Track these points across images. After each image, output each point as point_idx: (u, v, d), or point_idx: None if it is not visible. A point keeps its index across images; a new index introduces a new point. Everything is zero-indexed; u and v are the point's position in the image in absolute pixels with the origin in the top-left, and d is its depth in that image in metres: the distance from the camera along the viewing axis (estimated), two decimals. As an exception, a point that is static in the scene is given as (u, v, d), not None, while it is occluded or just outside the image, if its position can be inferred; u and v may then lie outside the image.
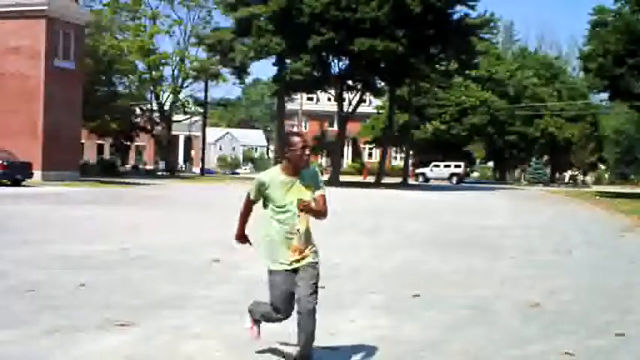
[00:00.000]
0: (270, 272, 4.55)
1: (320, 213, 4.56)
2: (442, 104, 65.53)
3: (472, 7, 43.15)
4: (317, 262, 4.64)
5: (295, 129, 5.93)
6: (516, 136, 69.15)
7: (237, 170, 79.63)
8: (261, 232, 4.57)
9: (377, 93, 54.50)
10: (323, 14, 38.96)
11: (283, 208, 4.41)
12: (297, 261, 4.51)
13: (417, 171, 62.05)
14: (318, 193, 4.52)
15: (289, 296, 4.51)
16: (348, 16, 38.94)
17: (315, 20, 39.37)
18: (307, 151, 4.38)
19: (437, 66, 48.07)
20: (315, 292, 4.57)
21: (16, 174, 29.21)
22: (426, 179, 59.31)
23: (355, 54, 40.27)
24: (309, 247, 4.60)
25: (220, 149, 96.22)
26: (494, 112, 65.88)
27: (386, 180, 49.39)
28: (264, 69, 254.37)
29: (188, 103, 57.84)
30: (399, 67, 41.74)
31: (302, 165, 4.39)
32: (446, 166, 59.99)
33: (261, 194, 4.46)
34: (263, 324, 4.90)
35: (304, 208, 4.40)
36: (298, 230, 4.46)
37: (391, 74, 44.35)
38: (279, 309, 4.56)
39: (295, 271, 4.51)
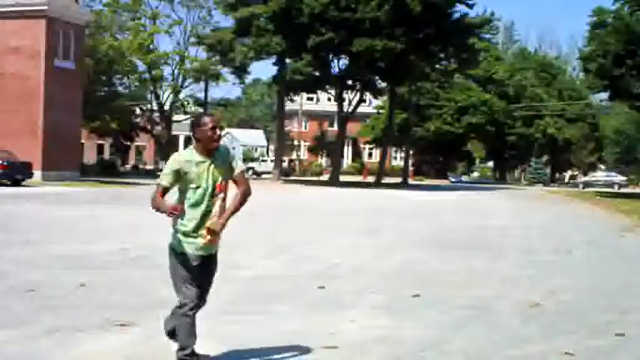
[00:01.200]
0: (179, 254, 4.39)
1: (239, 205, 4.47)
2: (442, 104, 65.58)
3: (470, 6, 43.15)
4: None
5: (204, 113, 5.88)
6: (517, 137, 69.22)
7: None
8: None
9: (377, 93, 54.48)
10: (323, 14, 38.95)
11: (198, 189, 4.31)
12: (208, 245, 4.38)
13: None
14: (236, 172, 4.42)
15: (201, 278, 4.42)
16: (347, 16, 38.93)
17: (314, 20, 39.36)
18: (217, 131, 4.30)
19: (437, 65, 48.04)
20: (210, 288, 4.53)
21: (16, 174, 29.20)
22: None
23: (355, 53, 40.26)
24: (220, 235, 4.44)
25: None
26: (494, 113, 65.92)
27: (386, 180, 49.38)
28: (264, 69, 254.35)
29: (188, 103, 57.84)
30: (399, 66, 41.71)
31: (212, 145, 4.30)
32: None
33: (176, 178, 4.32)
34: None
35: (211, 235, 4.33)
36: (211, 212, 4.35)
37: (391, 74, 44.32)
38: (188, 295, 4.38)
39: (204, 257, 4.40)
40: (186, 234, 4.37)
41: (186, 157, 4.34)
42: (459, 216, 20.24)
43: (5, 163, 28.62)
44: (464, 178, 71.93)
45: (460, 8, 43.59)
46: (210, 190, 4.33)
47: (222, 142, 4.40)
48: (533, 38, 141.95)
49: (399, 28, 38.73)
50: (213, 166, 4.33)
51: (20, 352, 4.89)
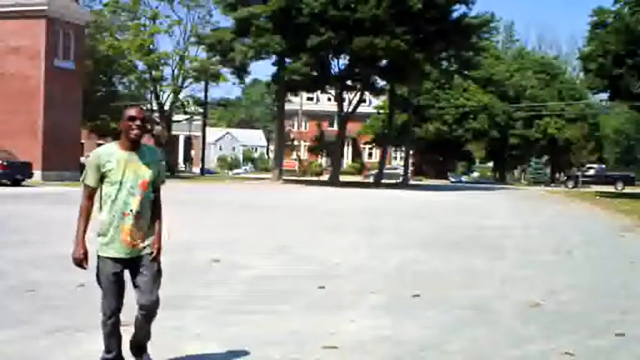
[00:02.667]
0: (99, 258, 4.16)
1: (160, 227, 4.34)
2: (442, 106, 65.63)
3: (468, 5, 43.13)
4: (152, 253, 4.22)
5: (133, 106, 5.45)
6: (517, 137, 69.28)
7: (238, 170, 79.70)
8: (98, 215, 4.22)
9: (376, 92, 54.47)
10: (322, 14, 38.94)
11: (118, 185, 4.08)
12: (132, 247, 4.14)
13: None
14: (160, 179, 4.26)
15: (120, 288, 4.17)
16: (347, 15, 38.92)
17: (314, 20, 39.36)
18: (137, 122, 4.06)
19: (437, 64, 48.01)
20: (157, 287, 4.23)
21: (16, 174, 29.20)
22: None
23: (355, 52, 40.26)
24: (147, 236, 4.21)
25: (220, 149, 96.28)
26: (494, 117, 66.01)
27: (386, 180, 49.39)
28: (264, 69, 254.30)
29: (188, 103, 57.85)
30: (400, 66, 41.72)
31: (130, 136, 4.07)
32: None
33: (99, 174, 4.11)
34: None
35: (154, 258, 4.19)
36: (131, 211, 4.10)
37: (392, 72, 44.32)
38: (110, 303, 4.14)
39: (132, 260, 4.16)
40: (100, 234, 4.17)
41: (106, 150, 4.14)
42: (459, 216, 20.24)
43: (5, 163, 28.63)
44: (464, 178, 71.96)
45: (460, 8, 43.64)
46: (129, 185, 4.09)
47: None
48: (533, 38, 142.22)
49: (399, 27, 38.71)
50: (136, 160, 4.11)
51: (20, 352, 4.89)
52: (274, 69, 46.60)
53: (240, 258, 9.54)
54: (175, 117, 57.87)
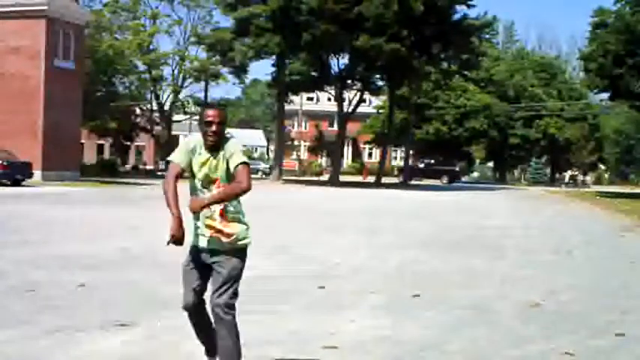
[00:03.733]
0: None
1: (227, 192, 3.96)
2: (442, 106, 65.62)
3: (468, 5, 43.15)
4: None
5: (211, 104, 5.27)
6: (517, 137, 69.28)
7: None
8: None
9: (376, 92, 54.48)
10: (320, 9, 38.84)
11: (194, 178, 4.05)
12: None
13: None
14: (231, 167, 4.00)
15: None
16: (345, 7, 38.75)
17: (313, 16, 39.30)
18: (213, 128, 3.99)
19: (437, 65, 48.03)
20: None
21: (16, 174, 29.20)
22: None
23: (355, 52, 40.24)
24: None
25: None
26: (495, 117, 66.01)
27: (386, 180, 49.38)
28: (264, 69, 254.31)
29: (188, 103, 57.84)
30: (400, 67, 41.72)
31: (206, 141, 4.01)
32: None
33: (188, 160, 4.01)
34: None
35: (195, 207, 3.96)
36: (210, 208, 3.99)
37: (392, 73, 44.33)
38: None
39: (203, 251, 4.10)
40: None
41: (194, 142, 4.09)
42: (459, 216, 20.24)
43: (5, 163, 28.62)
44: (464, 178, 71.95)
45: (461, 9, 43.68)
46: (201, 184, 4.04)
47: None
48: (533, 38, 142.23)
49: (402, 29, 38.71)
50: (212, 160, 4.03)
51: (20, 352, 4.88)
52: (274, 69, 46.66)
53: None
54: (175, 117, 57.85)
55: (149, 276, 8.14)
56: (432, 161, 58.15)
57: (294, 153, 74.36)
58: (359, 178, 58.74)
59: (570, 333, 5.98)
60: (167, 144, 57.42)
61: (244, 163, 4.01)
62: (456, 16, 43.44)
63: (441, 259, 10.43)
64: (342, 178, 49.23)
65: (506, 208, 25.93)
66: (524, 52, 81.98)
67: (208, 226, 4.00)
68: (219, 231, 3.98)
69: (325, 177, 56.08)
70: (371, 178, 54.35)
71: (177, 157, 4.02)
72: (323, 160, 75.55)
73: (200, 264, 4.11)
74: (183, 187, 4.06)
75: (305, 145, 78.43)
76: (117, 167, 52.03)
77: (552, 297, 7.62)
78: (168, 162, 4.11)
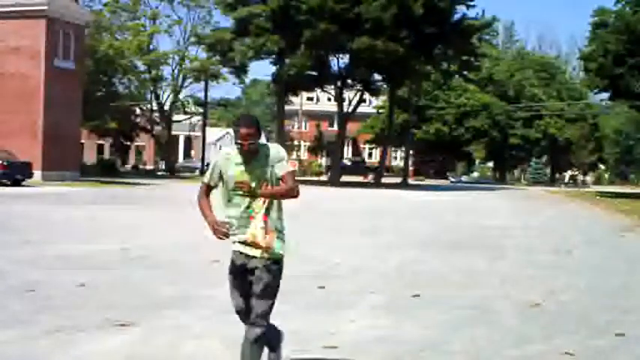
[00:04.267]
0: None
1: (284, 191, 4.13)
2: (442, 106, 65.64)
3: (468, 6, 43.16)
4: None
5: (245, 115, 5.14)
6: (517, 138, 69.28)
7: None
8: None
9: (375, 93, 54.48)
10: (320, 9, 38.85)
11: (236, 190, 4.06)
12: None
13: None
14: (279, 174, 4.07)
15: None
16: (345, 7, 38.77)
17: (312, 16, 39.30)
18: (248, 141, 3.95)
19: (437, 65, 48.03)
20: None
21: (16, 174, 29.19)
22: None
23: (355, 51, 40.25)
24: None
25: (220, 149, 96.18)
26: (495, 117, 66.01)
27: (386, 180, 49.38)
28: (264, 69, 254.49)
29: (188, 103, 57.82)
30: (400, 67, 41.73)
31: (244, 154, 4.01)
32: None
33: (220, 177, 4.11)
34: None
35: (262, 192, 4.04)
36: (251, 217, 4.09)
37: (391, 74, 44.34)
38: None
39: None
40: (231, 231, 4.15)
41: (227, 155, 4.13)
42: (459, 216, 20.24)
43: (5, 163, 28.61)
44: (464, 178, 72.02)
45: (460, 9, 43.69)
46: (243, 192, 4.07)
47: (260, 144, 3.98)
48: (533, 38, 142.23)
49: (400, 30, 38.71)
50: (250, 169, 4.04)
51: (20, 352, 4.88)
52: (274, 69, 46.68)
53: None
54: (175, 117, 57.84)
55: (149, 276, 8.14)
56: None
57: (294, 153, 74.37)
58: (359, 178, 58.77)
59: (570, 333, 5.97)
60: (167, 144, 57.45)
61: (293, 170, 4.19)
62: (456, 17, 43.47)
63: (441, 259, 10.43)
64: (342, 178, 49.23)
65: (507, 208, 25.93)
66: (524, 52, 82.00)
67: (251, 234, 4.10)
68: (257, 240, 4.11)
69: (325, 177, 56.09)
70: (371, 178, 54.39)
71: (206, 178, 4.17)
72: (323, 160, 75.54)
73: (242, 269, 4.21)
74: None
75: (305, 145, 78.43)
76: (117, 167, 52.04)
77: (552, 297, 7.62)
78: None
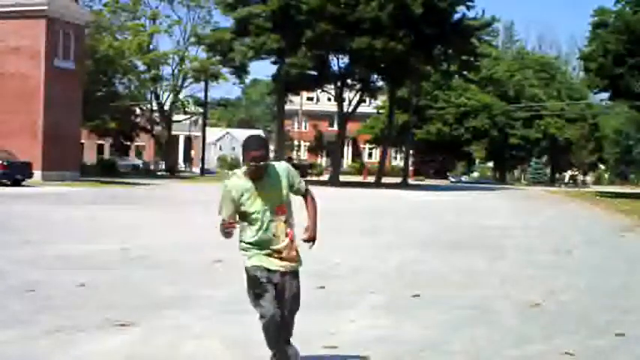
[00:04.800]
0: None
1: (314, 216, 4.56)
2: (442, 106, 65.64)
3: (468, 7, 43.16)
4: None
5: (254, 137, 5.13)
6: (517, 138, 69.28)
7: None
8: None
9: (375, 94, 54.48)
10: (320, 10, 38.87)
11: (253, 214, 4.16)
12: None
13: None
14: (295, 188, 4.27)
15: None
16: (346, 12, 38.83)
17: (312, 17, 39.31)
18: (258, 164, 4.05)
19: (437, 65, 48.02)
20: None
21: (16, 174, 29.18)
22: None
23: (355, 51, 40.25)
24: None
25: (220, 149, 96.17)
26: (495, 117, 66.04)
27: (386, 180, 49.37)
28: (264, 69, 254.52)
29: (188, 103, 57.81)
30: (400, 67, 41.72)
31: (252, 176, 4.11)
32: None
33: (235, 206, 4.15)
34: None
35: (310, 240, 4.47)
36: (274, 235, 4.23)
37: (391, 74, 44.34)
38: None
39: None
40: (245, 249, 4.34)
41: (238, 183, 4.17)
42: (459, 216, 20.24)
43: (5, 163, 28.61)
44: (464, 178, 72.02)
45: (460, 9, 43.65)
46: (267, 213, 4.17)
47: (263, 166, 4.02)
48: (533, 38, 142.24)
49: (400, 30, 38.71)
50: (260, 191, 4.14)
51: (20, 352, 4.88)
52: (274, 69, 46.67)
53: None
54: (175, 117, 57.84)
55: (149, 276, 8.14)
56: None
57: (294, 153, 74.38)
58: (359, 178, 58.76)
59: (570, 333, 5.97)
60: (167, 144, 57.45)
61: (303, 186, 4.40)
62: (456, 17, 43.45)
63: (441, 259, 10.43)
64: (342, 178, 49.22)
65: (506, 208, 25.93)
66: (524, 52, 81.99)
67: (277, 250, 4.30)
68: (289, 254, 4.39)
69: (325, 177, 56.10)
70: (371, 178, 54.39)
71: (225, 214, 4.18)
72: (323, 160, 75.52)
73: (272, 282, 4.35)
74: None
75: (305, 145, 78.42)
76: (117, 167, 52.04)
77: (552, 297, 7.62)
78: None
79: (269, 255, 4.26)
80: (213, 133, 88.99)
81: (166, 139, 56.82)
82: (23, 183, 29.44)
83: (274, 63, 46.28)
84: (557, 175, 78.03)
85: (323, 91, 54.96)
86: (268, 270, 4.28)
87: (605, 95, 47.69)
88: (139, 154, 75.26)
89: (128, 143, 62.77)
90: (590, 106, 72.75)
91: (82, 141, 43.82)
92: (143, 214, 17.27)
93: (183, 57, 54.32)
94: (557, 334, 5.89)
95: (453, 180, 67.58)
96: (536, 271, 9.63)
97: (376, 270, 9.24)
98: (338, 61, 46.96)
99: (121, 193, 27.70)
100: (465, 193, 37.73)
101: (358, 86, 49.58)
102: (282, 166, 4.26)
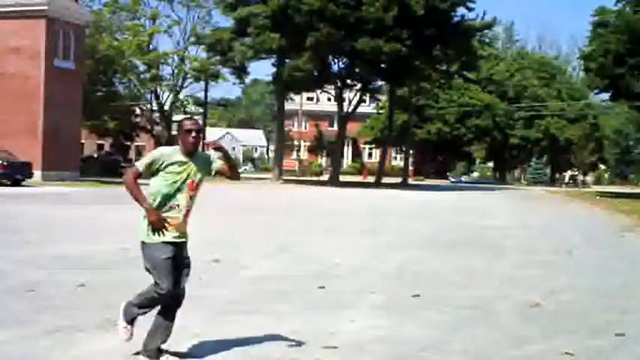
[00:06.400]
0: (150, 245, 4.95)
1: (233, 167, 4.93)
2: (442, 106, 65.62)
3: (469, 8, 43.16)
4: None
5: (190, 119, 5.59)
6: (517, 138, 69.30)
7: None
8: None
9: (375, 95, 54.44)
10: (321, 11, 38.86)
11: (174, 183, 4.68)
12: (178, 237, 4.84)
13: None
14: (216, 165, 4.86)
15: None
16: (347, 12, 38.82)
17: (313, 17, 39.29)
18: (194, 134, 4.63)
19: (437, 66, 48.01)
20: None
21: (16, 174, 29.18)
22: None
23: (356, 52, 40.23)
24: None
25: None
26: (495, 117, 66.06)
27: (386, 180, 49.37)
28: (264, 69, 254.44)
29: (188, 103, 57.80)
30: (401, 68, 41.71)
31: (190, 147, 4.63)
32: None
33: (151, 169, 4.67)
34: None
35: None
36: (178, 206, 4.75)
37: (392, 74, 44.33)
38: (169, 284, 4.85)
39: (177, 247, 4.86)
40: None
41: (170, 153, 4.69)
42: (459, 216, 20.24)
43: (5, 163, 28.60)
44: (464, 178, 71.98)
45: (460, 10, 43.67)
46: (179, 185, 4.70)
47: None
48: (533, 38, 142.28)
49: (402, 30, 38.68)
50: (192, 166, 4.70)
51: (20, 352, 4.89)
52: (274, 69, 46.62)
53: (240, 258, 9.53)
54: (175, 117, 57.83)
55: (149, 276, 8.12)
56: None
57: (294, 153, 74.36)
58: (359, 178, 58.76)
59: (570, 333, 5.98)
60: (167, 144, 57.42)
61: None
62: (456, 18, 43.45)
63: (441, 259, 10.43)
64: (342, 178, 49.22)
65: (507, 208, 25.93)
66: (524, 52, 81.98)
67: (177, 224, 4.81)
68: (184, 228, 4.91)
69: (325, 177, 56.09)
70: (371, 178, 54.39)
71: (141, 166, 4.73)
72: (323, 160, 75.49)
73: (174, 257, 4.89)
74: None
75: (305, 145, 78.40)
76: (117, 167, 51.91)
77: (552, 297, 7.62)
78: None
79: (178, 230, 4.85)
80: (213, 133, 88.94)
81: (166, 139, 56.77)
82: (23, 183, 29.43)
83: (274, 64, 46.25)
84: (558, 175, 77.99)
85: (323, 91, 54.93)
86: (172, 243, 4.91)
87: (605, 95, 47.70)
88: (139, 154, 75.29)
89: (128, 143, 62.76)
90: (590, 106, 72.73)
91: (82, 141, 43.82)
92: (143, 214, 17.24)
93: (183, 57, 54.31)
94: (557, 334, 5.89)
95: (453, 180, 67.57)
96: (536, 271, 9.63)
97: (376, 270, 9.24)
98: (338, 62, 46.95)
99: (121, 193, 27.59)
100: (465, 193, 37.73)
101: (358, 86, 49.56)
102: (209, 157, 4.87)
